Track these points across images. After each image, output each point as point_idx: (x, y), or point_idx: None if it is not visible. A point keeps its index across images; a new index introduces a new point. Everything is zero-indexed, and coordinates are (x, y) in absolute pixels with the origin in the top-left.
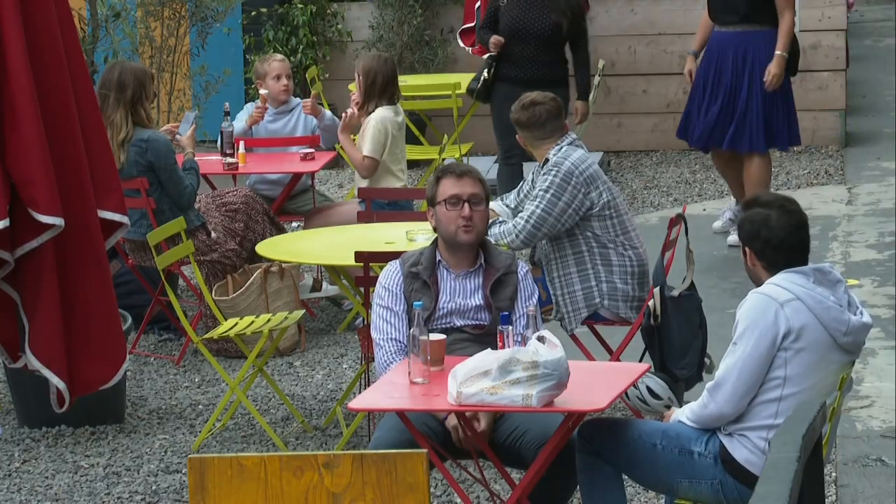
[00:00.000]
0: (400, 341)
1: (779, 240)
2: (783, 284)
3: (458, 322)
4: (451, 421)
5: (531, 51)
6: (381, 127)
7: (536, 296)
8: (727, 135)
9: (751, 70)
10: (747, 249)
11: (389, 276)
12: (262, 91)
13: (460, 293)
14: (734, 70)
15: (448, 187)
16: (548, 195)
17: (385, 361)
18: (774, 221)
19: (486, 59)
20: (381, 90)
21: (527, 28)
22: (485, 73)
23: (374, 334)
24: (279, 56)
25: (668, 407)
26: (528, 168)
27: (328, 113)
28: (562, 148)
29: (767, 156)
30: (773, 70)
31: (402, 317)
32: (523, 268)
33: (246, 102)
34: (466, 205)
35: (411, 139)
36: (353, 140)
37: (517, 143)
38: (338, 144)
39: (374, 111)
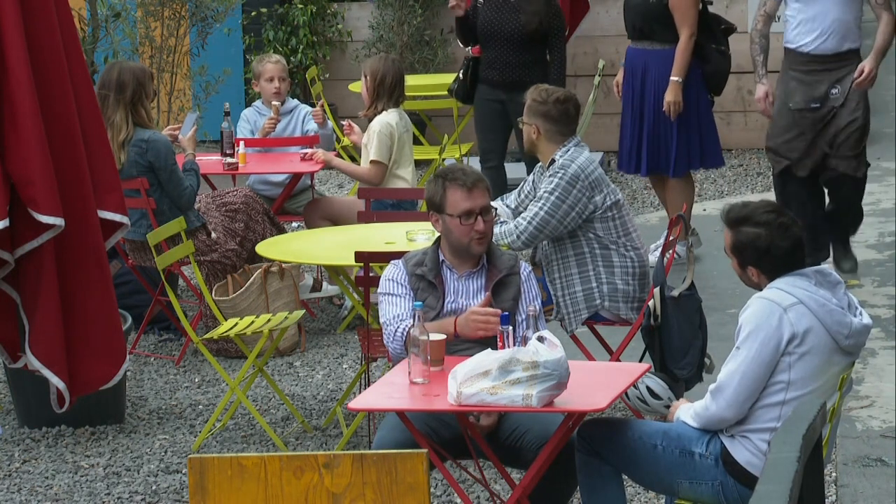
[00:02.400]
0: (405, 321)
1: (786, 254)
2: (786, 289)
3: None
4: (486, 420)
5: (506, 53)
6: (386, 131)
7: (540, 298)
8: (643, 159)
9: (653, 91)
10: (752, 268)
11: (394, 272)
12: (275, 103)
13: (463, 294)
14: (641, 90)
15: (459, 200)
16: (552, 197)
17: (390, 335)
18: (778, 240)
19: (463, 60)
20: (390, 91)
21: (499, 30)
22: (460, 74)
23: (381, 320)
24: (275, 57)
25: (668, 407)
26: (510, 169)
27: (330, 124)
28: (568, 150)
29: (686, 178)
30: (667, 98)
31: (408, 301)
32: (526, 269)
33: (246, 102)
34: (480, 218)
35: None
36: (349, 155)
37: (496, 147)
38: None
39: (381, 112)
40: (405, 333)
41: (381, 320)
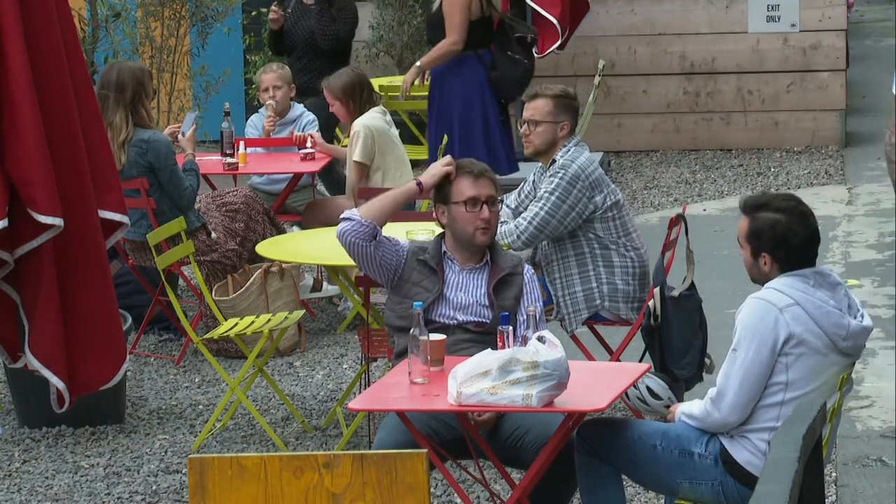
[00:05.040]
0: (375, 230)
1: (804, 244)
2: (782, 289)
3: (461, 317)
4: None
5: (295, 60)
6: (367, 133)
7: (542, 301)
8: None
9: (448, 100)
10: (767, 255)
11: (400, 240)
12: (269, 102)
13: (464, 288)
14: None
15: (465, 188)
16: (553, 197)
17: (343, 228)
18: (798, 227)
19: None
20: (361, 99)
21: (291, 39)
22: None
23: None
24: (272, 66)
25: (668, 407)
26: None
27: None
28: (569, 150)
29: None
30: (406, 76)
31: (393, 240)
32: (529, 271)
33: (246, 102)
34: (485, 207)
35: (412, 139)
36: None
37: None
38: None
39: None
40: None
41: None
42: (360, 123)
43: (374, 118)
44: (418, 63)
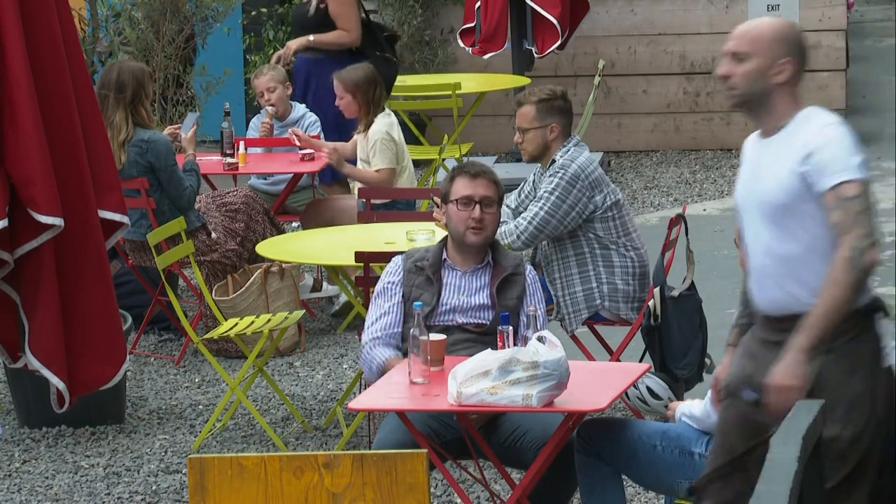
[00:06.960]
0: (387, 334)
1: None
2: None
3: (461, 319)
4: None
5: None
6: (388, 138)
7: (544, 302)
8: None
9: (315, 100)
10: None
11: (392, 268)
12: (267, 108)
13: (465, 290)
14: (304, 99)
15: (461, 187)
16: (552, 197)
17: (367, 359)
18: None
19: None
20: (378, 98)
21: None
22: None
23: (364, 331)
24: (263, 70)
25: (668, 407)
26: (511, 169)
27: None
28: (568, 150)
29: (340, 184)
30: (290, 44)
31: (395, 309)
32: (531, 270)
33: (246, 102)
34: (477, 206)
35: (411, 139)
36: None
37: None
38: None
39: (374, 121)
40: (371, 350)
41: (364, 330)
42: (374, 131)
43: (389, 124)
44: (311, 37)
